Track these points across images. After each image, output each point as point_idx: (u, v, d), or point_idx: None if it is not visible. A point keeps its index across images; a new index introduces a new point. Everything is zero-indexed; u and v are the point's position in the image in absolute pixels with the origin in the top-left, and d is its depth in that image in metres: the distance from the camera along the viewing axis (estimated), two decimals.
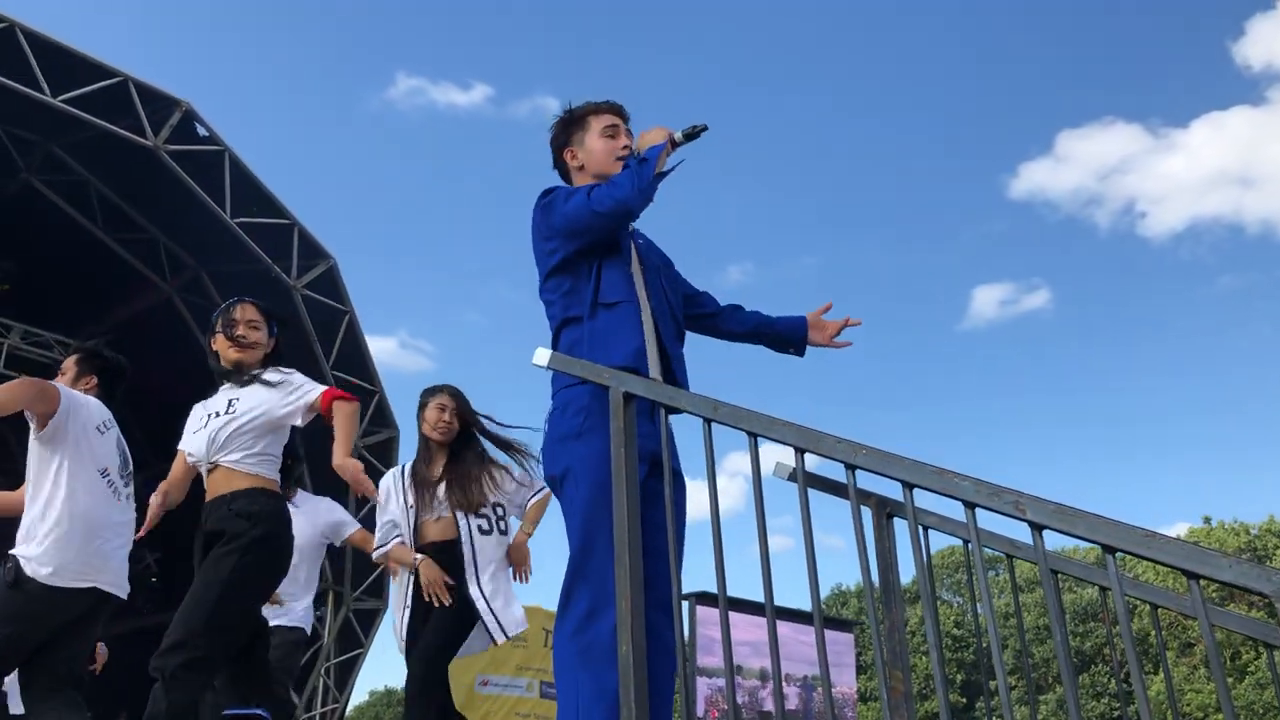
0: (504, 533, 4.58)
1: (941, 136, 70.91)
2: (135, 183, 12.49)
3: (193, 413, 3.73)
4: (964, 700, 35.77)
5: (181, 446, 3.67)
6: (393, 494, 4.60)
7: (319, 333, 13.01)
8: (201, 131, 11.85)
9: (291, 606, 5.14)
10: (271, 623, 4.92)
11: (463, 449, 4.63)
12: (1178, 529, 39.16)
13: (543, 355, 2.57)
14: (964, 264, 67.98)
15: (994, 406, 64.42)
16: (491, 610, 4.36)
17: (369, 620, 14.39)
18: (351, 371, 13.36)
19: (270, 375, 3.72)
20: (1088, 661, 35.17)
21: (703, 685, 10.33)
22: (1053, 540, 1.83)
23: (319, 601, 14.02)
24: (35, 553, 3.72)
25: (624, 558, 2.28)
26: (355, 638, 14.24)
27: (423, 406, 4.66)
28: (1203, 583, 1.63)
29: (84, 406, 3.99)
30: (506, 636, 4.39)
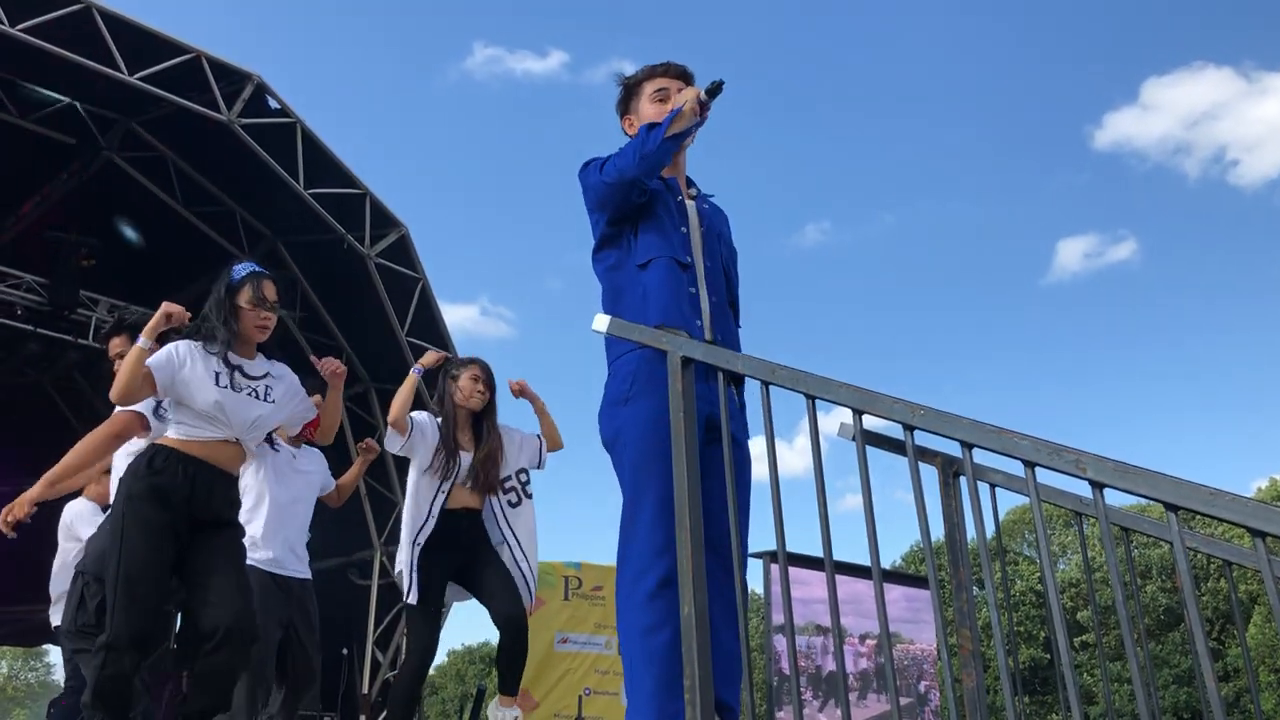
0: (529, 496, 4.80)
1: (1023, 89, 69.36)
2: (211, 157, 12.74)
3: (191, 356, 3.49)
4: (1046, 656, 35.37)
5: (178, 395, 3.46)
6: (428, 433, 4.69)
7: (393, 301, 13.18)
8: (273, 104, 12.01)
9: (303, 556, 5.19)
10: (301, 576, 5.09)
11: (487, 422, 4.79)
12: (1256, 486, 38.15)
13: (601, 321, 2.59)
14: (1048, 217, 66.67)
15: (1078, 361, 63.29)
16: (526, 577, 4.60)
17: None
18: (426, 338, 13.53)
19: (289, 375, 3.79)
20: (1177, 619, 34.53)
21: (777, 642, 10.36)
22: (1131, 498, 1.81)
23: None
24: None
25: (684, 520, 2.30)
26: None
27: (454, 377, 4.80)
28: (1269, 540, 1.60)
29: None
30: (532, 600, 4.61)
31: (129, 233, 13.34)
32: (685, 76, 3.03)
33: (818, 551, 2.15)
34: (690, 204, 2.99)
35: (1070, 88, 70.15)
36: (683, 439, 2.39)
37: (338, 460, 5.77)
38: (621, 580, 2.56)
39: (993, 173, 72.16)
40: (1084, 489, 1.78)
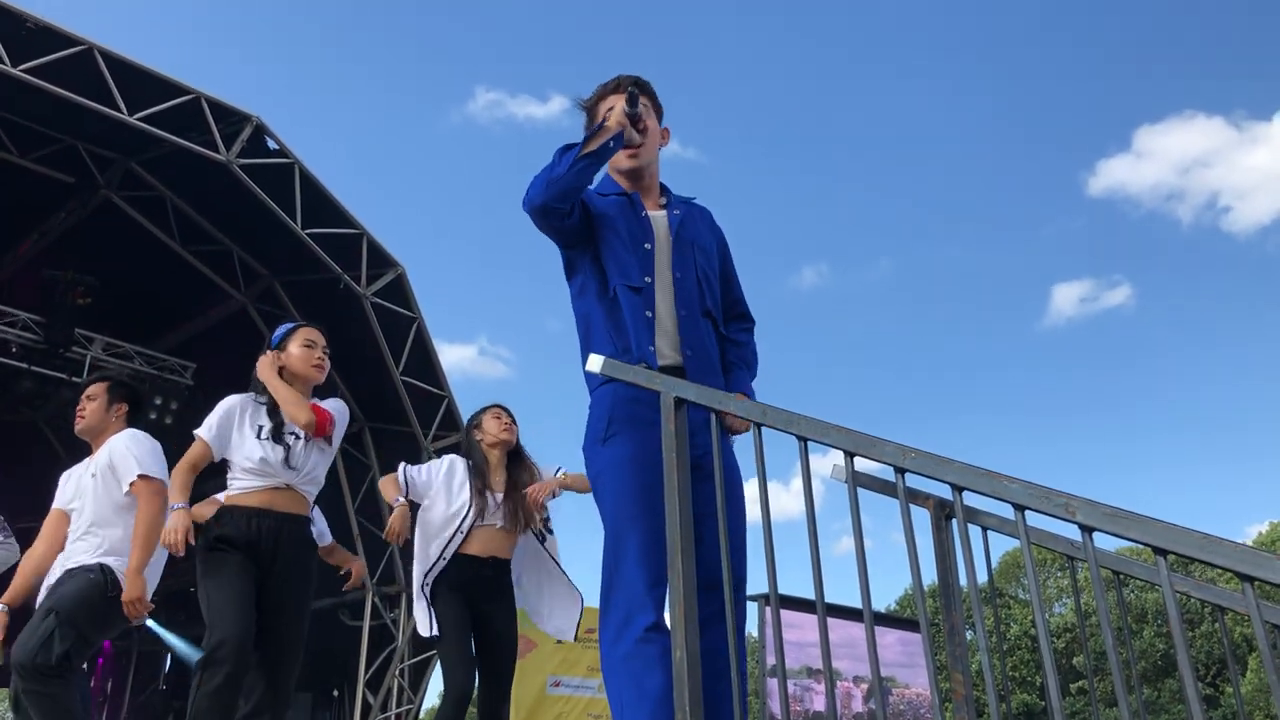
0: (551, 532, 4.73)
1: (1018, 136, 70.09)
2: (209, 196, 12.80)
3: (239, 411, 3.92)
4: (1041, 703, 35.11)
5: (227, 452, 3.87)
6: (433, 473, 4.61)
7: (389, 340, 13.20)
8: (271, 145, 12.10)
9: None
10: None
11: (517, 463, 4.74)
12: (1257, 531, 38.06)
13: (595, 361, 2.59)
14: (1043, 262, 67.12)
15: (1073, 405, 63.39)
16: (579, 597, 4.52)
17: None
18: (421, 377, 13.54)
19: (337, 408, 4.12)
20: (1174, 664, 34.31)
21: (772, 686, 10.29)
22: (1126, 541, 1.81)
23: (393, 603, 14.22)
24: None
25: (676, 563, 2.30)
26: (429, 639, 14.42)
27: (477, 425, 4.78)
28: (1258, 585, 1.61)
29: (164, 463, 4.24)
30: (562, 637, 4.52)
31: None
32: (635, 89, 2.85)
33: (811, 594, 2.15)
34: (658, 215, 2.89)
35: (1064, 135, 70.96)
36: (674, 481, 2.39)
37: (333, 511, 5.76)
38: (608, 623, 2.51)
39: (988, 218, 72.72)
40: (1075, 533, 1.79)
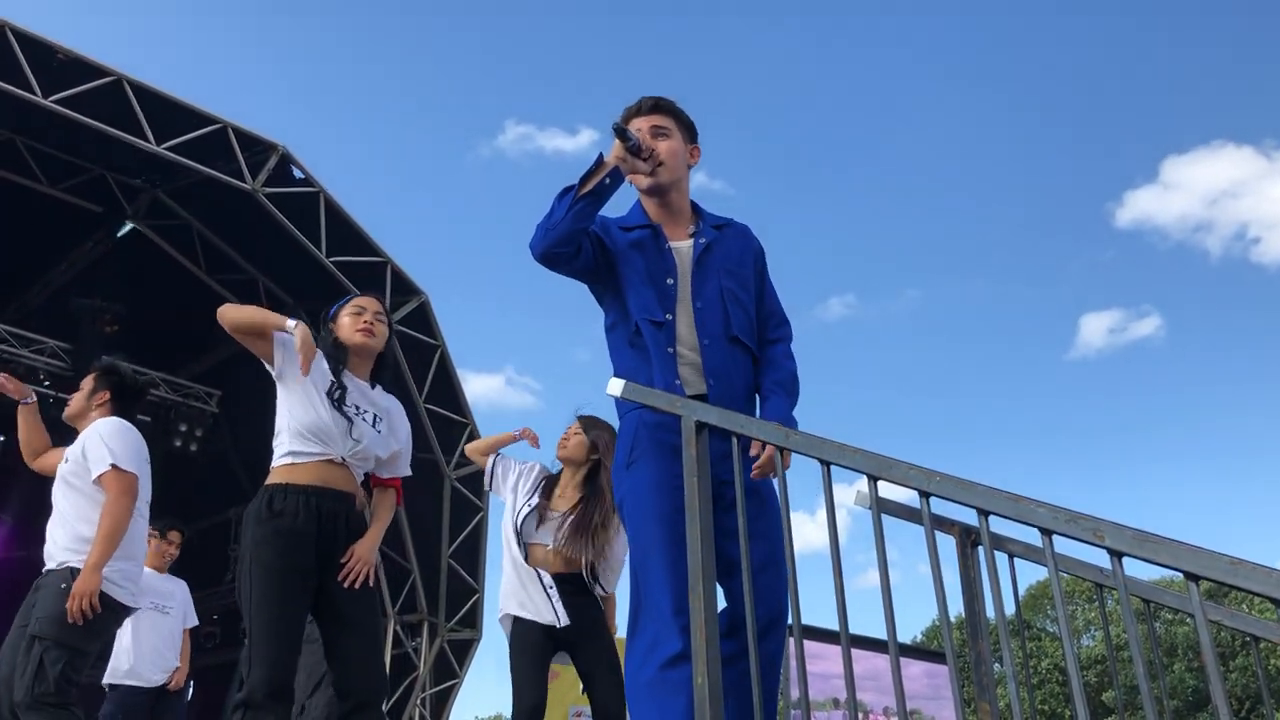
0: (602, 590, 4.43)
1: (1045, 168, 69.96)
2: (235, 225, 12.91)
3: (315, 387, 3.38)
4: None
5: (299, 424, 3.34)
6: (524, 480, 4.52)
7: (412, 368, 13.24)
8: (297, 174, 12.21)
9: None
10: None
11: (594, 492, 4.42)
12: None
13: (616, 385, 2.58)
14: (1071, 293, 66.90)
15: (1102, 436, 62.90)
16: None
17: (464, 651, 14.51)
18: (444, 405, 13.56)
19: (403, 419, 3.68)
20: (1205, 699, 33.76)
21: (795, 718, 10.17)
22: (1160, 570, 1.76)
23: (415, 631, 14.18)
24: (110, 573, 3.85)
25: (698, 589, 2.27)
26: (450, 669, 14.37)
27: (565, 438, 4.62)
28: None
29: (145, 461, 4.13)
30: None
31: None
32: (659, 111, 2.89)
33: (837, 625, 2.11)
34: (682, 245, 2.85)
35: (1091, 166, 70.83)
36: (696, 506, 2.37)
37: None
38: (634, 649, 2.50)
39: (1016, 249, 72.58)
40: (1104, 559, 1.75)
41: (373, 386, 3.58)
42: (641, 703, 2.43)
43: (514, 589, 4.30)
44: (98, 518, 3.88)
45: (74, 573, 3.78)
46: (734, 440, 2.38)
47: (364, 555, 3.29)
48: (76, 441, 4.07)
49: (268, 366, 3.46)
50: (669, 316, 2.73)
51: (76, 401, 4.23)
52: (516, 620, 4.24)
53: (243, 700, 2.94)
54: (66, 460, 4.01)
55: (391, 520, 4.08)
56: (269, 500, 3.21)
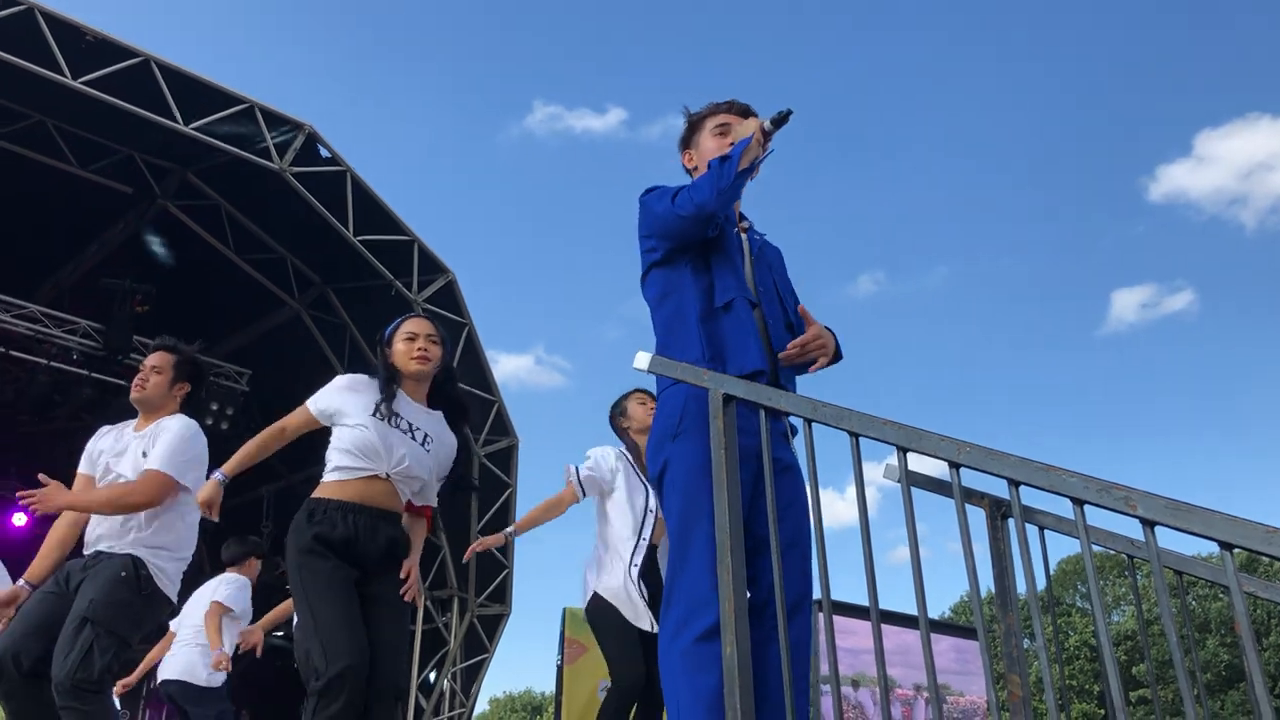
0: None
1: (1077, 143, 69.13)
2: (263, 205, 12.97)
3: (350, 388, 3.58)
4: (1100, 711, 34.51)
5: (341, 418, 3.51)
6: (604, 465, 4.51)
7: None
8: (324, 153, 12.24)
9: None
10: None
11: None
12: None
13: (643, 359, 2.58)
14: (1102, 269, 66.30)
15: (1133, 412, 62.40)
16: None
17: (493, 625, 14.62)
18: (471, 382, 13.61)
19: (451, 442, 3.74)
20: (1238, 675, 33.55)
21: (826, 703, 10.20)
22: (1190, 544, 1.74)
23: (445, 607, 14.29)
24: (166, 565, 3.88)
25: (725, 559, 2.27)
26: (480, 643, 14.49)
27: (622, 411, 4.64)
28: None
29: (204, 464, 4.07)
30: None
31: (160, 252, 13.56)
32: (747, 113, 3.01)
33: (866, 601, 2.11)
34: (743, 236, 2.99)
35: (1123, 140, 69.95)
36: (724, 478, 2.36)
37: None
38: (667, 620, 2.51)
39: (1046, 225, 71.92)
40: (1136, 531, 1.73)
41: (432, 409, 3.69)
42: (674, 673, 2.44)
43: (622, 595, 4.30)
44: (177, 517, 3.90)
45: (136, 562, 3.75)
46: (761, 413, 2.37)
47: (413, 577, 3.48)
48: (150, 429, 4.00)
49: (324, 422, 3.58)
50: (743, 294, 2.81)
51: (156, 389, 4.10)
52: (615, 610, 4.29)
53: (320, 689, 2.99)
54: (144, 454, 3.93)
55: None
56: (309, 514, 3.35)
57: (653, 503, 4.37)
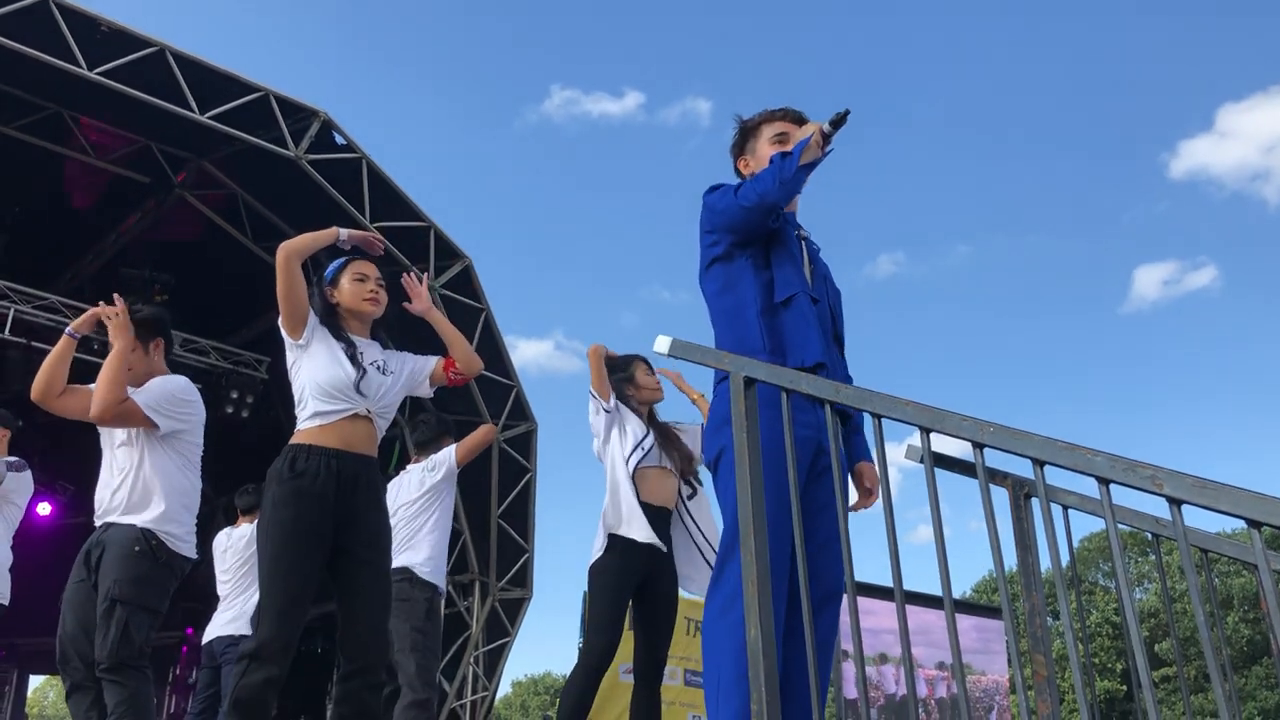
0: (701, 484, 4.63)
1: (1097, 119, 68.60)
2: (280, 192, 12.99)
3: (318, 330, 3.59)
4: (1123, 688, 34.46)
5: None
6: (627, 414, 4.52)
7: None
8: (339, 140, 12.25)
9: None
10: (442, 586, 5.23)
11: (657, 420, 4.67)
12: None
13: (663, 343, 2.58)
14: (1125, 246, 65.89)
15: (1157, 389, 62.10)
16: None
17: (515, 609, 14.68)
18: (489, 367, 13.62)
19: (393, 351, 3.78)
20: (1261, 650, 33.44)
21: (848, 671, 10.22)
22: (1212, 522, 1.74)
23: (466, 591, 14.37)
24: (177, 529, 3.93)
25: (749, 543, 2.27)
26: (502, 627, 14.55)
27: (629, 378, 4.63)
28: None
29: (202, 420, 4.16)
30: None
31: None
32: (801, 120, 3.09)
33: (888, 581, 2.11)
34: (802, 242, 3.06)
35: (1144, 116, 69.38)
36: (746, 462, 2.36)
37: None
38: (718, 592, 2.58)
39: (1068, 202, 71.42)
40: (1161, 509, 1.72)
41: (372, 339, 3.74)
42: (719, 646, 2.51)
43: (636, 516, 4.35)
44: (180, 476, 3.97)
45: (145, 533, 3.82)
46: (783, 395, 2.37)
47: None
48: (145, 388, 3.99)
49: (291, 338, 3.56)
50: (806, 292, 2.89)
51: (139, 362, 4.08)
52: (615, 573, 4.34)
53: (250, 652, 3.10)
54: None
55: None
56: (291, 460, 3.35)
57: (645, 451, 4.41)
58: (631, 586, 4.31)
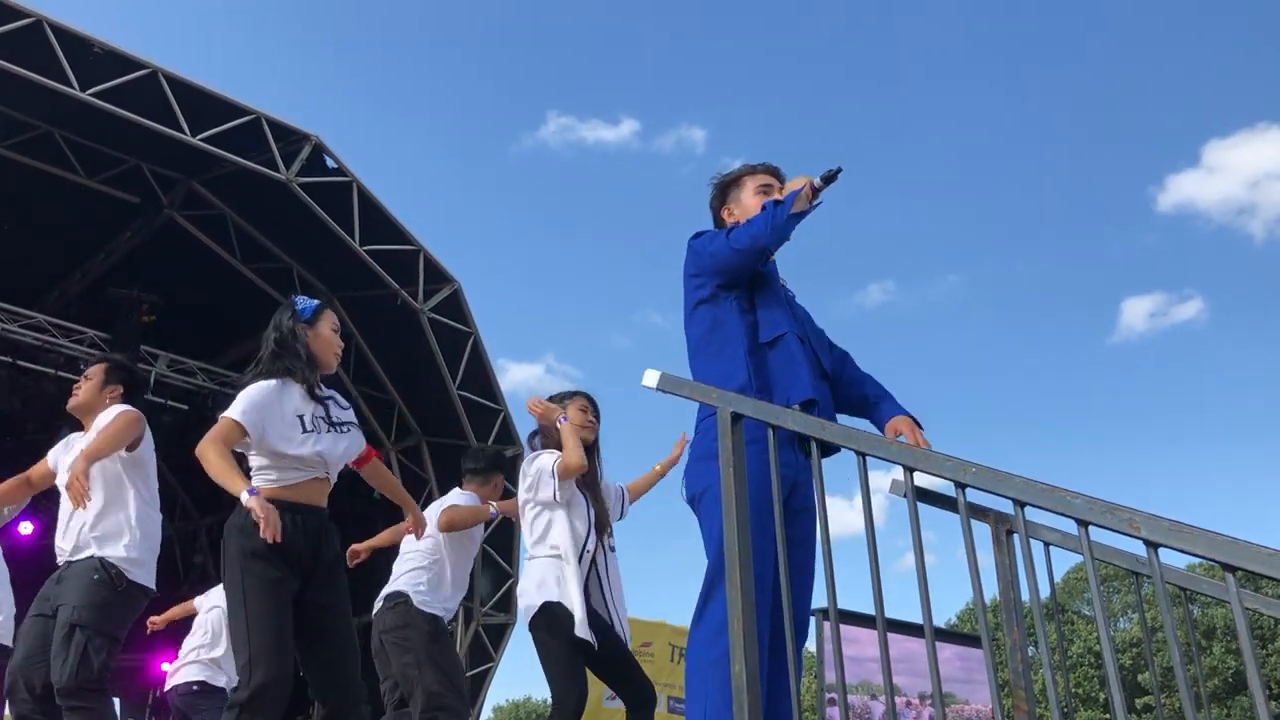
0: (613, 549, 4.50)
1: (1086, 153, 69.19)
2: (270, 215, 13.02)
3: (271, 397, 3.37)
4: (1106, 717, 34.42)
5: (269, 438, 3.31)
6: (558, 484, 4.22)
7: (445, 355, 13.31)
8: (330, 163, 12.29)
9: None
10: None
11: (595, 458, 4.44)
12: None
13: (651, 377, 2.62)
14: (1112, 278, 66.40)
15: (1143, 421, 62.36)
16: (624, 637, 4.32)
17: (499, 634, 14.63)
18: (477, 391, 13.64)
19: (346, 408, 3.67)
20: (1243, 683, 33.48)
21: (829, 699, 10.19)
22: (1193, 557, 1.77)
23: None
24: (134, 555, 3.96)
25: (734, 577, 2.30)
26: (485, 652, 14.50)
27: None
28: None
29: (152, 451, 4.25)
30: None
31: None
32: (779, 176, 3.20)
33: (872, 609, 2.14)
34: (781, 288, 3.14)
35: (1132, 150, 69.98)
36: (733, 496, 2.39)
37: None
38: (704, 625, 2.62)
39: (1057, 234, 71.89)
40: (1141, 547, 1.76)
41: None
42: (705, 678, 2.56)
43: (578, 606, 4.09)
44: (127, 503, 4.01)
45: (104, 563, 3.86)
46: (770, 431, 2.41)
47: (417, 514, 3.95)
48: (92, 429, 4.09)
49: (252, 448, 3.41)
50: (794, 332, 2.96)
51: (88, 392, 4.24)
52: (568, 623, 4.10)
53: (243, 701, 3.00)
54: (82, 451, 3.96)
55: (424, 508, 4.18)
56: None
57: (593, 541, 4.23)
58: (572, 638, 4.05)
